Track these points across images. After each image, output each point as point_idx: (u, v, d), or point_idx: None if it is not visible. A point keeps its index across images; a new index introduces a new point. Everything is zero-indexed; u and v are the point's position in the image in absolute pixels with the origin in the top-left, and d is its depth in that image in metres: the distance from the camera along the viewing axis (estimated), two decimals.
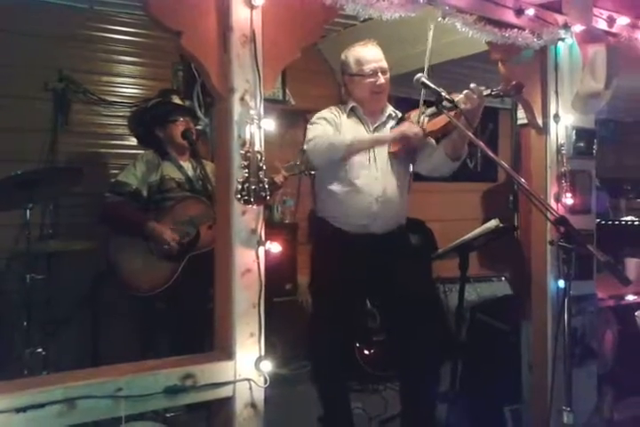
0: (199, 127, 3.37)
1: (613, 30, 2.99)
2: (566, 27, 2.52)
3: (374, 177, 2.49)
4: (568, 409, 1.86)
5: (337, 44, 3.74)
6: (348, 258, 2.49)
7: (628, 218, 4.15)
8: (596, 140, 2.70)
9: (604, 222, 3.88)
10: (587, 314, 2.71)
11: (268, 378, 1.67)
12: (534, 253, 2.63)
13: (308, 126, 2.54)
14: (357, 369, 3.69)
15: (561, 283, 2.55)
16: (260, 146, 1.69)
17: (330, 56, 4.22)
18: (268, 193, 1.65)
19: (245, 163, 1.63)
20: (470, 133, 2.09)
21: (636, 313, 2.49)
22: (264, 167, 1.66)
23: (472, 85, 2.27)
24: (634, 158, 6.16)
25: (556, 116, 2.55)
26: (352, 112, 2.60)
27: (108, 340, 3.11)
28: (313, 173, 2.72)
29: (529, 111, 2.55)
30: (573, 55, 2.59)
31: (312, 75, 4.18)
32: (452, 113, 2.26)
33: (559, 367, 2.57)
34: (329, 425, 2.70)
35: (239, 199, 1.63)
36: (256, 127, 1.67)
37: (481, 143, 2.03)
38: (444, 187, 4.76)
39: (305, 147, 2.46)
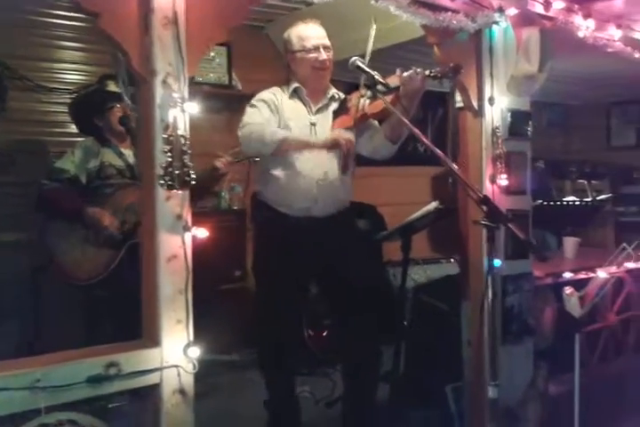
0: None
1: (549, 14, 3.04)
2: (501, 10, 2.55)
3: (315, 160, 2.48)
4: (492, 384, 1.90)
5: (284, 28, 3.67)
6: (289, 242, 2.49)
7: (570, 198, 4.25)
8: (531, 122, 2.74)
9: (545, 203, 3.97)
10: (523, 292, 2.78)
11: (196, 364, 1.67)
12: (471, 233, 2.68)
13: (246, 109, 2.51)
14: (307, 353, 3.73)
15: (496, 262, 2.61)
16: (185, 130, 1.67)
17: (277, 40, 4.15)
18: (192, 178, 1.64)
19: (168, 147, 1.61)
20: (401, 115, 2.10)
21: (565, 290, 2.55)
22: (189, 151, 1.64)
23: (414, 68, 2.28)
24: (580, 141, 6.31)
25: (491, 99, 2.58)
26: (294, 93, 2.58)
27: (50, 331, 3.07)
28: (258, 159, 2.71)
29: (464, 94, 2.58)
30: (508, 38, 2.62)
31: (259, 59, 4.14)
32: (391, 96, 2.27)
33: (494, 344, 2.66)
34: (274, 409, 2.72)
35: (162, 184, 1.61)
36: (180, 111, 1.65)
37: (413, 128, 2.05)
38: (395, 171, 4.80)
39: (239, 133, 2.44)
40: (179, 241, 1.66)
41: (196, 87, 3.63)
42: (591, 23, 3.20)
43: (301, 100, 2.57)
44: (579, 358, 2.38)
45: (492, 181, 2.60)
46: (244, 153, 2.54)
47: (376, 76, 2.21)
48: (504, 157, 2.60)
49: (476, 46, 2.57)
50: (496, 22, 2.55)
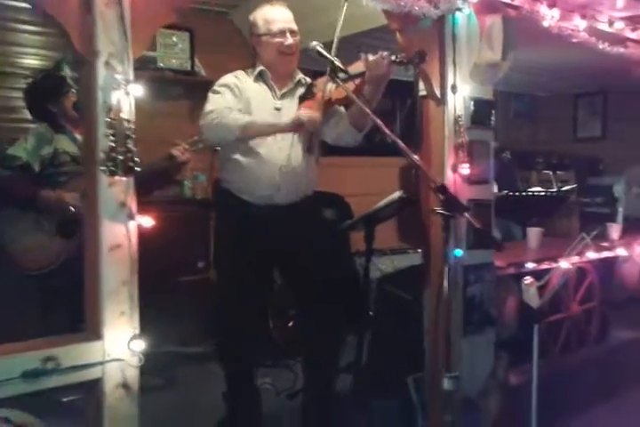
0: None
1: (515, 3, 3.01)
2: None
3: (278, 146, 2.42)
4: (448, 375, 1.87)
5: (248, 13, 3.62)
6: (251, 231, 2.44)
7: (535, 189, 4.26)
8: (494, 111, 2.72)
9: (511, 193, 3.98)
10: (485, 282, 2.77)
11: (142, 358, 1.61)
12: (432, 222, 2.65)
13: (209, 94, 2.44)
14: (271, 344, 3.68)
15: (458, 251, 2.60)
16: (130, 113, 1.59)
17: (241, 25, 4.07)
18: (137, 164, 1.57)
19: (111, 131, 1.54)
20: (361, 103, 2.05)
21: (524, 281, 2.54)
22: (133, 136, 1.57)
23: (380, 53, 2.23)
24: (547, 132, 6.34)
25: (454, 87, 2.55)
26: (260, 77, 2.51)
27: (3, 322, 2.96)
28: (219, 148, 2.64)
29: (427, 82, 2.53)
30: (471, 25, 2.58)
31: (224, 45, 4.04)
32: (357, 81, 2.23)
33: (453, 335, 2.65)
34: (232, 401, 2.67)
35: (104, 170, 1.54)
36: (124, 93, 1.57)
37: (374, 115, 2.00)
38: (363, 161, 4.76)
39: (200, 121, 2.37)
40: (122, 230, 1.59)
41: (157, 73, 3.55)
42: (556, 13, 3.18)
43: (267, 84, 2.50)
44: (538, 348, 2.36)
45: (454, 170, 2.57)
46: (208, 141, 2.45)
47: (335, 62, 2.16)
48: (466, 146, 2.57)
49: (439, 33, 2.53)
50: (459, 9, 2.51)
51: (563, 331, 3.48)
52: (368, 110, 2.02)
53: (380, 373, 3.12)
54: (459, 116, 2.56)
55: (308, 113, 2.32)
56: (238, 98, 2.41)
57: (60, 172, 2.79)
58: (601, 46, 3.52)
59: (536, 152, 5.69)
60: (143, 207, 3.34)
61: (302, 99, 2.47)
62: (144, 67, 3.49)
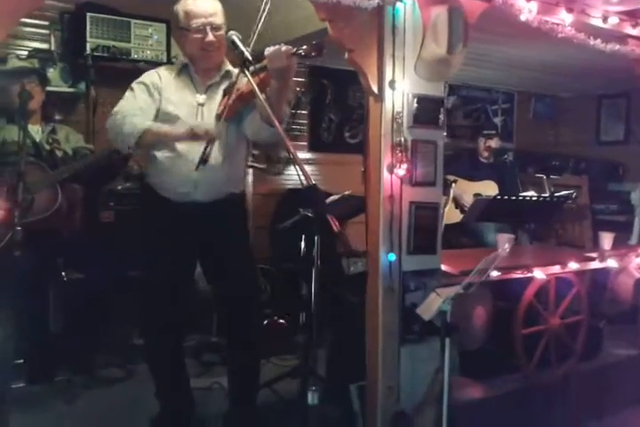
0: (55, 89, 3.24)
1: None
2: None
3: (196, 143, 2.35)
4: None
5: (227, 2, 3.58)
6: (172, 227, 2.38)
7: (529, 193, 4.02)
8: (442, 110, 2.55)
9: (505, 198, 3.76)
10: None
11: None
12: (369, 225, 2.52)
13: (126, 93, 2.40)
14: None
15: (391, 256, 2.46)
16: None
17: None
18: None
19: None
20: (261, 98, 1.95)
21: (435, 290, 2.37)
22: None
23: (281, 44, 2.12)
24: (569, 134, 6.03)
25: (392, 83, 2.40)
26: (184, 70, 2.45)
27: None
28: None
29: (363, 77, 2.40)
30: (415, 17, 2.43)
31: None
32: (261, 76, 2.13)
33: (390, 344, 2.52)
34: (164, 401, 2.62)
35: None
36: None
37: (270, 111, 1.91)
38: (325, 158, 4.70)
39: (107, 121, 2.33)
40: None
41: (130, 64, 3.54)
42: (534, 6, 2.99)
43: (190, 77, 2.43)
44: (448, 362, 2.19)
45: (390, 170, 2.43)
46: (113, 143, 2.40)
47: (245, 53, 2.07)
48: (406, 146, 2.43)
49: (379, 25, 2.39)
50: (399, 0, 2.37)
51: (540, 345, 3.27)
52: (265, 104, 1.92)
53: (325, 379, 3.03)
54: (397, 114, 2.42)
55: (202, 126, 2.23)
56: (153, 97, 2.35)
57: (6, 162, 2.81)
58: (592, 43, 3.28)
59: (551, 155, 5.41)
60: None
61: (226, 92, 2.37)
62: (117, 58, 3.49)
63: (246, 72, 2.06)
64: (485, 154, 4.81)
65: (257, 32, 2.27)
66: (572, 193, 4.12)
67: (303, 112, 4.69)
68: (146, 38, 3.58)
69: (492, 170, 4.81)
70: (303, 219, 2.73)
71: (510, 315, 3.22)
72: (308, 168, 4.66)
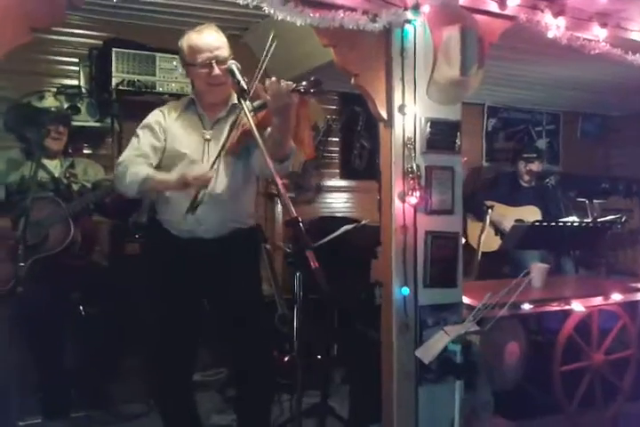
0: (82, 124, 3.30)
1: (508, 12, 2.72)
2: (415, 7, 2.27)
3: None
4: None
5: (260, 35, 3.57)
6: (177, 263, 2.32)
7: (570, 219, 3.78)
8: (459, 134, 2.42)
9: (545, 224, 3.55)
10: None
11: None
12: (383, 256, 2.39)
13: (132, 139, 2.38)
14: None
15: (404, 290, 2.32)
16: None
17: (255, 48, 4.05)
18: None
19: None
20: (257, 135, 1.89)
21: (443, 328, 2.20)
22: None
23: (281, 82, 2.03)
24: (621, 155, 5.72)
25: (402, 107, 2.30)
26: (190, 106, 2.41)
27: None
28: None
29: (370, 102, 2.31)
30: (425, 39, 2.33)
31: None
32: (263, 112, 2.08)
33: (406, 385, 2.36)
34: None
35: None
36: None
37: (264, 148, 1.85)
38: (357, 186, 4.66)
39: (114, 170, 2.33)
40: None
41: (155, 97, 3.57)
42: (562, 22, 2.84)
43: (197, 113, 2.38)
44: (459, 407, 2.01)
45: (402, 198, 2.30)
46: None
47: (241, 83, 2.02)
48: (418, 173, 2.31)
49: (386, 48, 2.30)
50: (408, 21, 2.27)
51: (583, 384, 3.03)
52: (260, 142, 1.85)
53: (349, 419, 2.88)
54: (408, 139, 2.30)
55: (200, 172, 2.15)
56: (158, 138, 2.32)
57: (25, 198, 2.83)
58: (630, 58, 3.09)
59: (600, 177, 5.12)
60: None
61: (232, 127, 2.30)
62: (142, 91, 3.52)
63: (242, 102, 1.99)
64: (526, 178, 4.61)
65: (262, 67, 2.21)
66: (619, 217, 3.87)
67: (335, 139, 4.61)
68: (170, 71, 3.60)
69: (534, 194, 4.60)
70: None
71: (548, 350, 3.01)
72: (339, 196, 4.69)
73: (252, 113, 2.02)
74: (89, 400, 2.99)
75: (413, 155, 2.30)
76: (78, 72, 3.72)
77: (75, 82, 3.69)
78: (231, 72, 2.09)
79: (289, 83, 2.01)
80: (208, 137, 2.33)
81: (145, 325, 2.45)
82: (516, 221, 4.28)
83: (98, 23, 3.73)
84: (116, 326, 2.96)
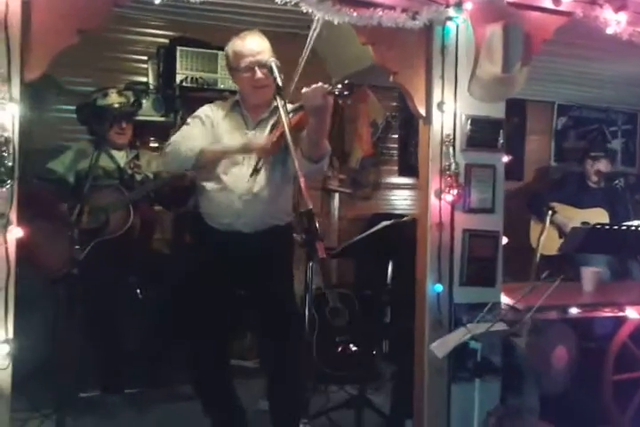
0: (148, 118, 3.50)
1: (563, 8, 2.65)
2: (458, 4, 2.26)
3: (244, 174, 2.36)
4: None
5: (320, 33, 3.64)
6: (215, 256, 2.43)
7: (634, 222, 3.61)
8: (502, 132, 2.38)
9: (599, 227, 3.42)
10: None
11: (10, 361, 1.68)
12: (418, 253, 2.40)
13: (183, 126, 2.51)
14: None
15: (437, 287, 2.32)
16: (11, 130, 1.70)
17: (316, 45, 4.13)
18: (10, 177, 1.67)
19: None
20: (289, 135, 1.96)
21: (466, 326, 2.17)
22: (10, 152, 1.68)
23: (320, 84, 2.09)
24: None
25: (441, 104, 2.30)
26: (235, 107, 2.52)
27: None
28: None
29: (409, 99, 2.32)
30: (467, 36, 2.32)
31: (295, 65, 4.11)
32: (300, 114, 2.16)
33: (437, 382, 2.36)
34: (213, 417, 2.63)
35: None
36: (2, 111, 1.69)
37: (292, 147, 1.92)
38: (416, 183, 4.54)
39: (163, 151, 2.45)
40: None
41: (216, 94, 3.71)
42: (622, 17, 2.74)
43: (241, 113, 2.49)
44: (478, 407, 2.00)
45: (438, 196, 2.31)
46: (167, 169, 2.51)
47: (277, 80, 2.10)
48: (456, 170, 2.30)
49: (426, 46, 2.30)
50: (450, 18, 2.27)
51: (637, 394, 2.93)
52: (291, 145, 1.93)
53: (391, 412, 2.91)
54: (447, 136, 2.30)
55: (261, 140, 2.26)
56: (208, 130, 2.43)
57: (93, 185, 3.03)
58: None
59: None
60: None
61: (273, 127, 2.37)
62: (204, 88, 3.68)
63: (277, 98, 2.07)
64: (594, 178, 4.43)
65: (300, 69, 2.29)
66: None
67: (394, 136, 4.61)
68: None
69: (602, 196, 4.42)
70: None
71: (600, 358, 2.92)
72: (398, 193, 4.69)
73: (289, 114, 2.10)
74: (143, 378, 3.17)
75: (452, 152, 2.29)
76: (147, 69, 3.92)
77: (144, 79, 3.91)
78: (270, 69, 2.17)
79: (324, 86, 2.07)
80: (251, 136, 2.43)
81: (187, 310, 2.59)
82: (583, 223, 4.14)
83: (167, 22, 3.90)
84: (170, 309, 3.12)
